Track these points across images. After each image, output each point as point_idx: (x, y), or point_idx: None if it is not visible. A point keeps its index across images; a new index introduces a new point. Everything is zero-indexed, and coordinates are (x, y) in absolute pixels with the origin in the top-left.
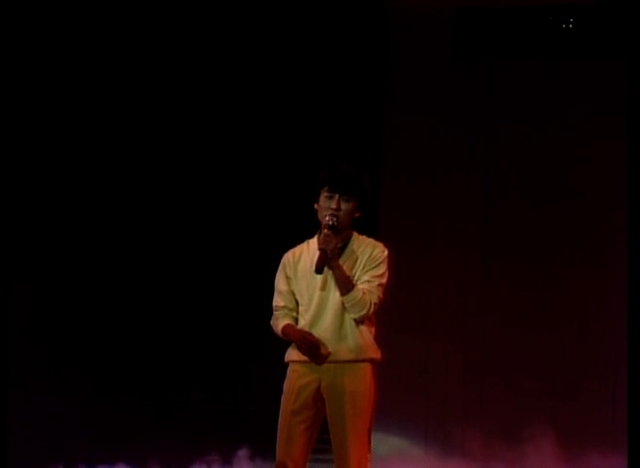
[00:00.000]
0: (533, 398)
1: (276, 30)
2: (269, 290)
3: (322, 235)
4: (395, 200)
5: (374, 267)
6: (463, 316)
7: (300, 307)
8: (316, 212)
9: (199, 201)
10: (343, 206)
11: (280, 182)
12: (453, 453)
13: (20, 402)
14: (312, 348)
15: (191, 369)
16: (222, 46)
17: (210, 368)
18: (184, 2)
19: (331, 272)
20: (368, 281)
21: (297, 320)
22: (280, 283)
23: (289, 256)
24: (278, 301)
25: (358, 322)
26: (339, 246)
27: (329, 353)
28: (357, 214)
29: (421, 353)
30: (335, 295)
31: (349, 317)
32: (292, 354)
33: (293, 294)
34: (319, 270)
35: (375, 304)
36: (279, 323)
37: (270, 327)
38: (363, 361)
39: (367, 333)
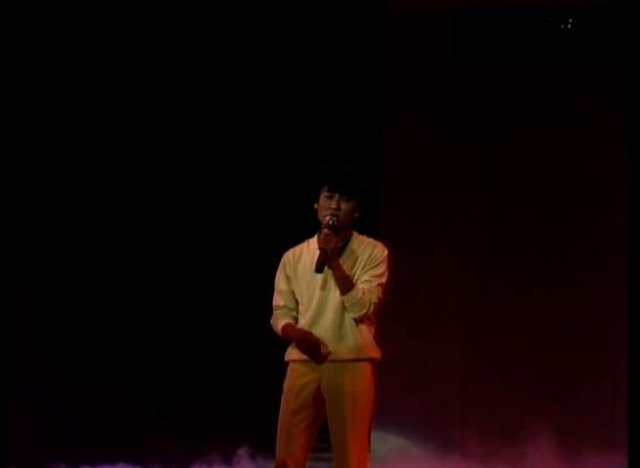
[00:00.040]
0: (532, 397)
1: (276, 30)
2: (269, 289)
3: (322, 235)
4: (395, 200)
5: (374, 267)
6: (463, 316)
7: (300, 307)
8: (316, 211)
9: (199, 201)
10: (343, 205)
11: (280, 182)
12: (452, 453)
13: (21, 401)
14: (312, 347)
15: (192, 368)
16: (223, 46)
17: (210, 367)
18: (184, 2)
19: (331, 272)
20: (368, 280)
21: (297, 319)
22: (280, 282)
23: (289, 256)
24: (278, 301)
25: (358, 321)
26: (339, 245)
27: (329, 352)
28: (357, 214)
29: (421, 353)
30: (335, 295)
31: (349, 316)
32: (292, 353)
33: (293, 294)
34: (319, 269)
35: (374, 304)
36: (279, 322)
37: (270, 326)
38: (363, 360)
39: (367, 333)
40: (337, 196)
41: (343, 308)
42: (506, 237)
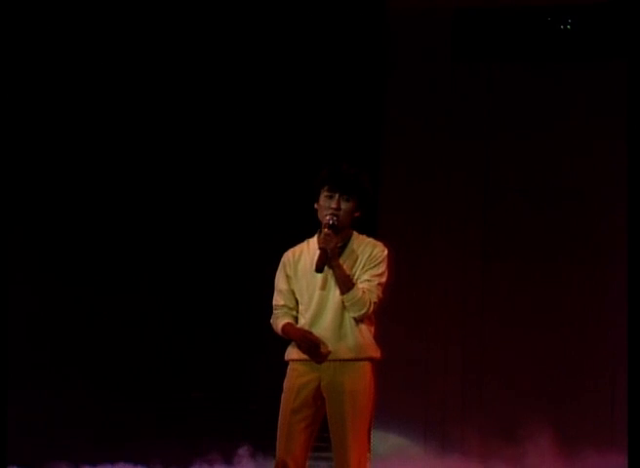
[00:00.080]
0: (532, 397)
1: (276, 30)
2: (269, 289)
3: (322, 234)
4: (395, 200)
5: (373, 266)
6: (463, 315)
7: (300, 306)
8: (316, 211)
9: (199, 201)
10: (344, 205)
11: (280, 182)
12: (452, 452)
13: (22, 401)
14: (312, 347)
15: (192, 368)
16: (223, 47)
17: (210, 367)
18: (184, 2)
19: (331, 271)
20: (368, 280)
21: (296, 319)
22: (280, 282)
23: (289, 255)
24: (278, 300)
25: (358, 321)
26: (339, 245)
27: (329, 352)
28: (357, 214)
29: (421, 352)
30: (335, 294)
31: (349, 316)
32: (292, 353)
33: (293, 293)
34: (319, 269)
35: (374, 303)
36: (279, 321)
37: (270, 325)
38: (363, 360)
39: (367, 332)
40: (337, 196)
41: (343, 308)
42: (506, 237)
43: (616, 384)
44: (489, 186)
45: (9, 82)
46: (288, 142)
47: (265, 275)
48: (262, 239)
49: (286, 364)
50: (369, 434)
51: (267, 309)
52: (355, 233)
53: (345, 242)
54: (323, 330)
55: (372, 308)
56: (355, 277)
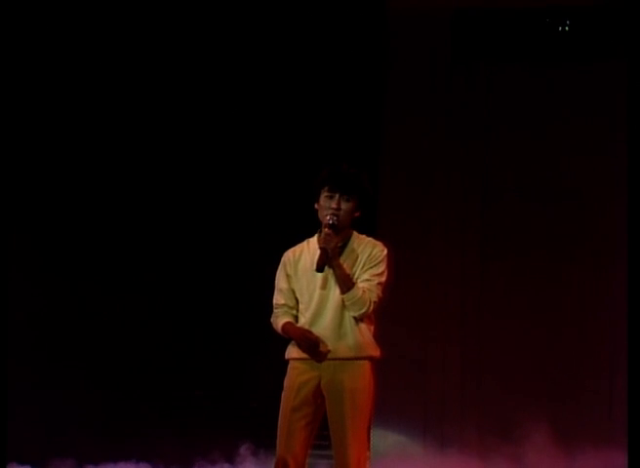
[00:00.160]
0: (530, 396)
1: (276, 30)
2: (270, 288)
3: (323, 234)
4: (394, 200)
5: (373, 266)
6: (462, 315)
7: (301, 305)
8: (316, 211)
9: (200, 200)
10: (344, 205)
11: (280, 182)
12: (451, 450)
13: (24, 400)
14: (312, 346)
15: (193, 366)
16: (223, 47)
17: (211, 365)
18: (184, 2)
19: (331, 271)
20: (368, 279)
21: (297, 318)
22: (280, 281)
23: (289, 255)
24: (278, 299)
25: (358, 320)
26: (339, 245)
27: (328, 350)
28: (357, 214)
29: (420, 351)
30: (335, 294)
31: (349, 315)
32: (292, 351)
33: (293, 292)
34: (320, 269)
35: (374, 302)
36: (279, 320)
37: (271, 324)
38: (362, 358)
39: (366, 331)
40: (337, 196)
41: (343, 307)
42: (505, 237)
43: (614, 383)
44: (488, 186)
45: (9, 82)
46: (288, 142)
47: (265, 275)
48: (262, 239)
49: (286, 362)
50: (368, 432)
51: (268, 308)
52: (355, 233)
53: (345, 242)
54: (323, 329)
55: (372, 307)
56: (355, 276)
